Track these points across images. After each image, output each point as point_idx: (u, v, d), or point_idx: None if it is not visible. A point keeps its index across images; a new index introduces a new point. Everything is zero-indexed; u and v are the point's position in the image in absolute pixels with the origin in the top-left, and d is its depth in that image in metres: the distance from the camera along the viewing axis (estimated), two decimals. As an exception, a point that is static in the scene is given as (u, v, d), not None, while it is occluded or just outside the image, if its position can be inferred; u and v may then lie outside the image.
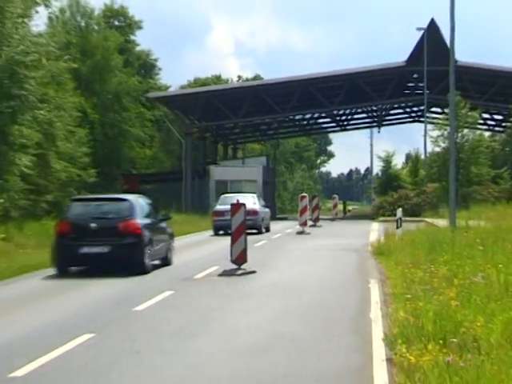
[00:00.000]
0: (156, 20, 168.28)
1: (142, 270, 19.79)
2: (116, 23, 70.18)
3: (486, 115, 65.55)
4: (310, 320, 12.87)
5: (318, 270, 20.70)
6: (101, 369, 9.54)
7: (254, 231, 35.71)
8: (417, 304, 11.82)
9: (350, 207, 74.06)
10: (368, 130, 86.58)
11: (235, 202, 31.36)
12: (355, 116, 77.52)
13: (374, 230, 35.85)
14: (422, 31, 57.71)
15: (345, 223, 50.91)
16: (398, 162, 79.38)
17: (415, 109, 73.63)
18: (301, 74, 64.53)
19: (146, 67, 75.08)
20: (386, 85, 63.04)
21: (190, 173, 60.83)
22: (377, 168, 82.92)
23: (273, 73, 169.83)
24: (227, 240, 20.45)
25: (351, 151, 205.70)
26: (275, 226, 41.22)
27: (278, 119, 70.63)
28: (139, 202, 22.10)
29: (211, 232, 36.92)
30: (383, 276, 18.14)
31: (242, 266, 19.20)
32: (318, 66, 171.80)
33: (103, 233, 20.25)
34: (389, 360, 9.44)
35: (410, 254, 19.61)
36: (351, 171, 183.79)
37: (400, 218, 34.64)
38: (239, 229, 19.38)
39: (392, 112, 77.15)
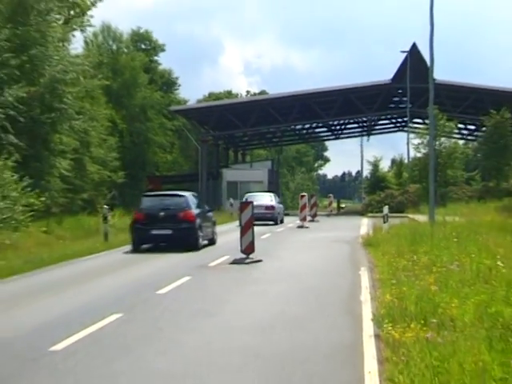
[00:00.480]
0: (176, 43, 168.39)
1: (195, 247, 23.10)
2: (142, 46, 70.11)
3: (460, 125, 65.32)
4: (309, 302, 12.86)
5: (316, 259, 20.66)
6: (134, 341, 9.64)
7: (271, 222, 38.81)
8: (401, 288, 11.80)
9: (343, 205, 73.74)
10: (359, 138, 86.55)
11: (257, 200, 36.69)
12: (348, 126, 77.31)
13: (364, 225, 35.80)
14: (406, 53, 57.75)
15: (339, 218, 50.84)
16: (385, 165, 79.18)
17: (399, 120, 73.35)
18: (301, 90, 64.53)
19: (168, 84, 75.01)
20: (374, 99, 62.93)
21: (205, 175, 60.75)
22: (366, 171, 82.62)
23: (276, 89, 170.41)
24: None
25: (344, 156, 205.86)
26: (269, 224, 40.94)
27: (281, 129, 70.47)
28: (192, 197, 25.55)
29: (226, 226, 36.76)
30: (372, 264, 18.09)
31: (250, 256, 19.19)
32: (315, 83, 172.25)
33: (167, 220, 23.55)
34: (376, 336, 9.46)
35: (395, 245, 19.53)
36: (344, 174, 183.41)
37: (386, 214, 34.56)
38: (247, 223, 19.35)
39: (379, 123, 76.92)
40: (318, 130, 78.31)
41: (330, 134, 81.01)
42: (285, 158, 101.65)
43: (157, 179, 61.09)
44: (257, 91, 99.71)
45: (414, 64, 55.00)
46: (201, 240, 23.84)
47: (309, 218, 38.72)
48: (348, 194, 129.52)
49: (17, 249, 21.49)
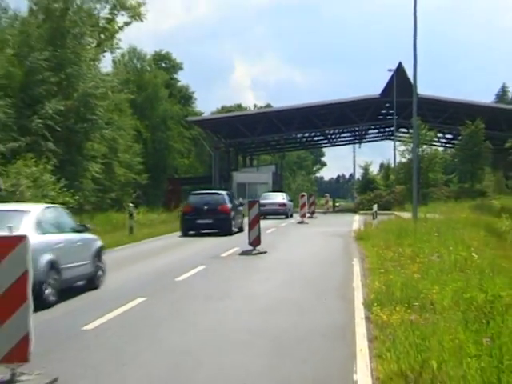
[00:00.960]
0: (193, 62, 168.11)
1: (229, 233, 25.83)
2: (163, 65, 70.04)
3: (439, 135, 65.17)
4: (307, 288, 12.85)
5: (314, 251, 20.61)
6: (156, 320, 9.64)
7: (283, 216, 41.00)
8: (388, 276, 11.80)
9: (337, 203, 73.46)
10: (352, 145, 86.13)
11: (272, 198, 43.23)
12: (342, 135, 77.06)
13: (356, 221, 35.74)
14: (392, 72, 57.63)
15: (334, 215, 50.76)
16: (374, 169, 79.01)
17: (387, 129, 73.11)
18: (301, 103, 64.48)
19: (185, 98, 74.90)
20: (365, 111, 62.82)
21: (217, 177, 60.70)
22: (358, 174, 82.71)
23: (280, 102, 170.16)
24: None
25: (339, 161, 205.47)
26: (277, 219, 40.96)
27: (284, 137, 70.30)
28: (227, 195, 28.70)
29: None
30: (363, 255, 18.06)
31: (257, 248, 19.17)
32: (313, 97, 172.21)
33: (209, 212, 26.52)
34: (367, 318, 9.45)
35: (383, 239, 19.50)
36: (339, 176, 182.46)
37: (375, 212, 34.51)
38: (254, 219, 19.28)
39: (369, 132, 76.67)
40: (316, 138, 78.17)
41: (326, 141, 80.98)
42: (287, 162, 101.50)
43: (176, 181, 61.07)
44: (263, 104, 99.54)
45: (400, 81, 54.89)
46: (233, 228, 26.70)
47: (308, 215, 38.65)
48: (342, 193, 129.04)
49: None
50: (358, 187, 74.72)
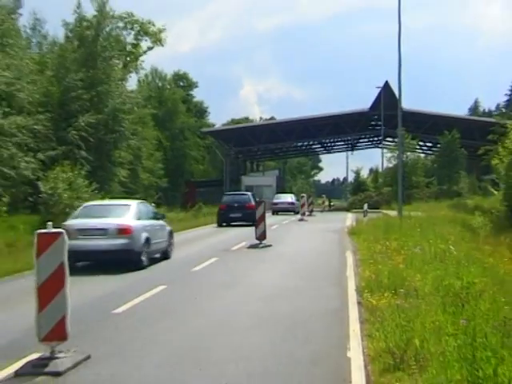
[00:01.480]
0: (207, 81, 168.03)
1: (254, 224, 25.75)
2: (181, 83, 70.11)
3: (421, 143, 65.11)
4: (306, 277, 12.82)
5: (312, 244, 20.59)
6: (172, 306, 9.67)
7: (292, 213, 42.58)
8: (377, 266, 11.78)
9: (332, 203, 73.34)
10: (345, 153, 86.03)
11: (283, 198, 46.40)
12: (336, 143, 76.96)
13: (349, 218, 35.71)
14: (380, 89, 57.69)
15: (330, 213, 50.72)
16: (365, 173, 78.69)
17: (375, 139, 72.96)
18: (300, 116, 64.44)
19: (200, 112, 74.97)
20: (356, 123, 62.79)
21: (228, 181, 60.74)
22: (350, 177, 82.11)
23: (282, 115, 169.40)
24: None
25: (334, 166, 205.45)
26: (283, 216, 41.02)
27: (286, 145, 70.35)
28: (252, 195, 31.72)
29: None
30: (355, 248, 18.02)
31: (263, 242, 19.17)
32: (311, 111, 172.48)
33: (239, 208, 29.74)
34: (359, 303, 9.44)
35: (373, 234, 19.45)
36: (334, 179, 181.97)
37: (366, 210, 34.49)
38: (261, 217, 19.30)
39: (360, 141, 76.54)
40: (313, 146, 78.07)
41: (322, 149, 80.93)
42: (289, 167, 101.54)
43: (192, 184, 61.10)
44: (267, 117, 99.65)
45: (386, 96, 54.87)
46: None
47: (307, 213, 38.63)
48: (337, 194, 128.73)
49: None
50: (351, 189, 74.56)
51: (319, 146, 77.90)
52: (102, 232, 13.83)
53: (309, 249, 19.06)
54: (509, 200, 23.79)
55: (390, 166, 57.92)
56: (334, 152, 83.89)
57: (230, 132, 65.71)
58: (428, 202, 43.95)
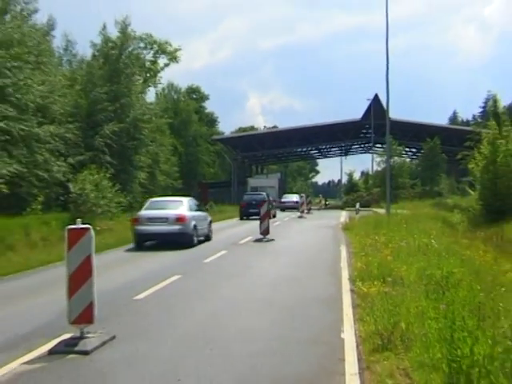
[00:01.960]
0: (217, 93, 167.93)
1: (273, 218, 27.87)
2: (194, 96, 70.13)
3: (406, 149, 65.05)
4: (304, 267, 12.82)
5: (310, 239, 20.58)
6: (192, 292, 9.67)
7: (296, 210, 41.18)
8: (367, 258, 11.79)
9: (328, 202, 73.15)
10: (339, 157, 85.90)
11: (289, 198, 48.29)
12: (331, 149, 76.96)
13: (343, 215, 35.70)
14: (370, 101, 57.70)
15: (326, 211, 50.65)
16: (357, 176, 78.40)
17: (366, 145, 72.90)
18: (300, 125, 64.47)
19: (211, 121, 74.91)
20: (349, 131, 62.76)
21: (235, 182, 60.80)
22: (344, 179, 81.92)
23: (284, 124, 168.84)
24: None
25: (329, 170, 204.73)
26: (286, 213, 40.91)
27: (287, 151, 70.40)
28: (266, 194, 33.00)
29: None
30: (348, 242, 18.04)
31: (266, 236, 19.17)
32: (309, 120, 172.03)
33: (256, 205, 28.71)
34: (351, 290, 9.44)
35: (364, 229, 19.50)
36: (329, 181, 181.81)
37: (358, 208, 34.44)
38: (264, 214, 19.31)
39: (353, 147, 76.56)
40: (311, 151, 78.02)
41: (319, 154, 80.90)
42: (289, 170, 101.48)
43: (204, 185, 61.10)
44: (271, 125, 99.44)
45: (376, 108, 54.89)
46: (271, 216, 28.20)
47: (306, 211, 38.62)
48: (332, 194, 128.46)
49: (111, 231, 21.55)
50: (344, 189, 74.44)
51: (316, 151, 77.86)
52: (165, 220, 16.85)
53: (307, 243, 19.04)
54: (483, 199, 23.75)
55: (379, 169, 57.90)
56: (330, 157, 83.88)
57: (237, 139, 65.78)
58: (413, 201, 43.81)
